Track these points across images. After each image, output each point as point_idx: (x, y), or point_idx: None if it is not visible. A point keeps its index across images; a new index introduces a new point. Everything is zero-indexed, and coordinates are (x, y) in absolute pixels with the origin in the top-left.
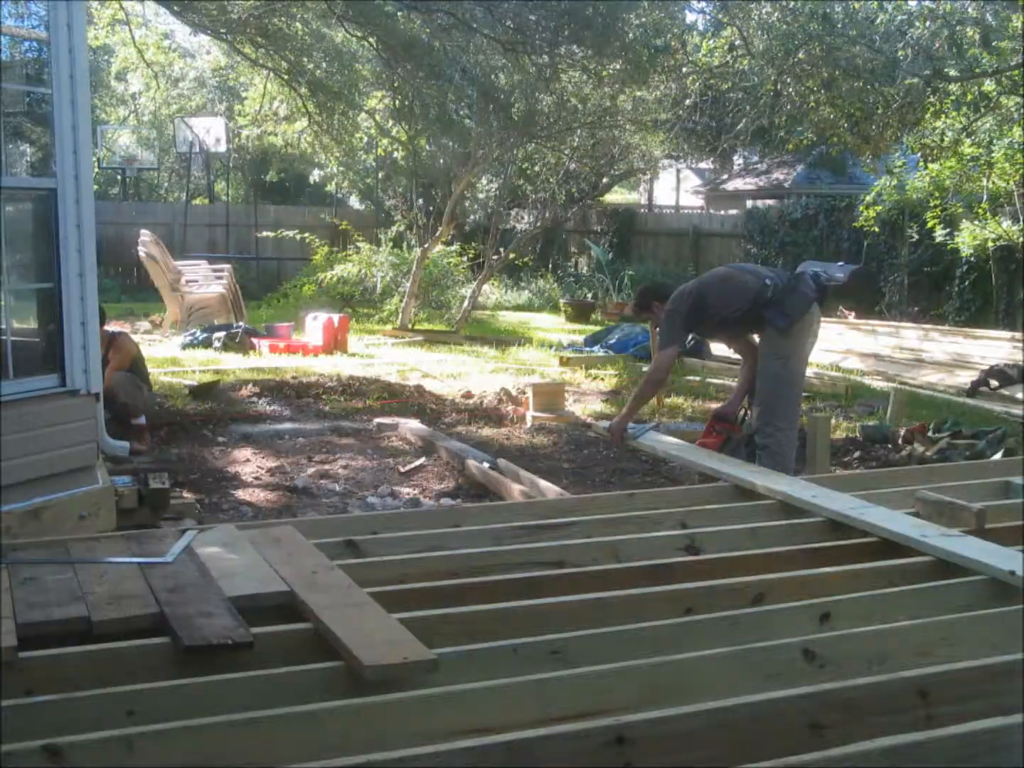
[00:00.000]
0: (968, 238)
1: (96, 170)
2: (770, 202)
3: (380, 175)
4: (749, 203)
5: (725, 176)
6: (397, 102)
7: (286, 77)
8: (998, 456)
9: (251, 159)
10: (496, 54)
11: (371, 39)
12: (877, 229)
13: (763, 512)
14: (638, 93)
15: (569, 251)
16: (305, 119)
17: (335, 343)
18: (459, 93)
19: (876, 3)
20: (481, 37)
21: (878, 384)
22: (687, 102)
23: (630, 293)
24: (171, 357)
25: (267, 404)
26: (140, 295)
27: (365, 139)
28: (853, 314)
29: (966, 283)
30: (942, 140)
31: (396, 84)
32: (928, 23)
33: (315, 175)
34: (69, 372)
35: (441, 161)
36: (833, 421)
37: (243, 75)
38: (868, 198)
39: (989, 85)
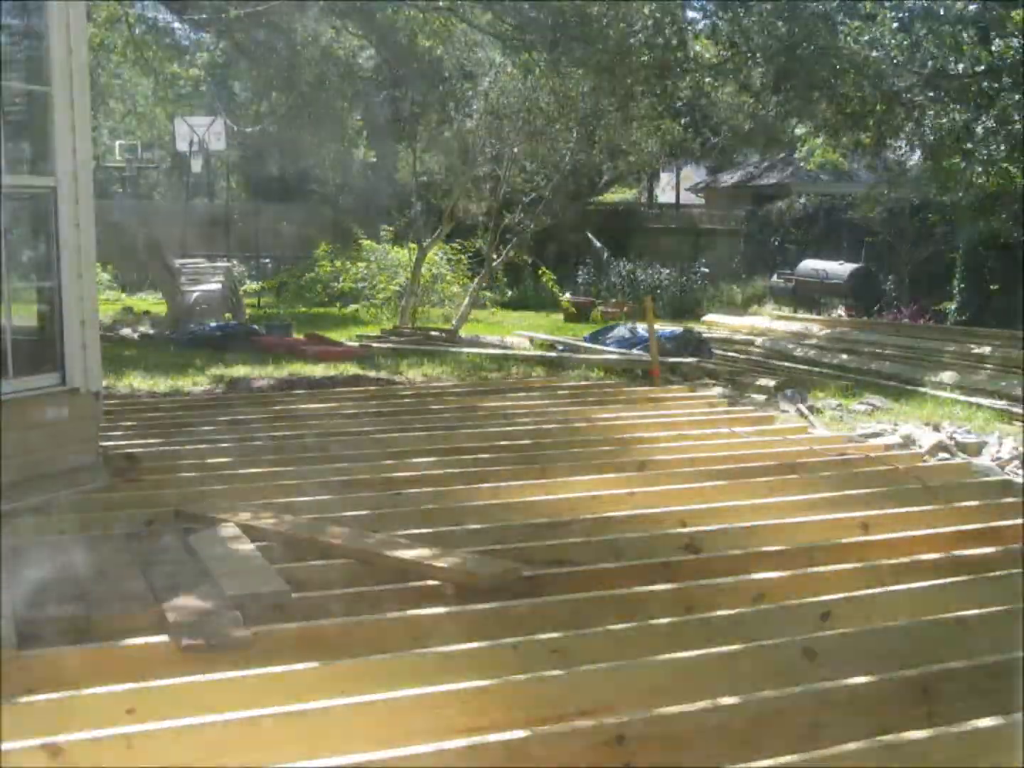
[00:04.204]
0: (968, 236)
1: (95, 168)
2: (771, 200)
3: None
4: (749, 201)
5: (725, 174)
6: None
7: (286, 74)
8: None
9: (251, 157)
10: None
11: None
12: (875, 215)
13: None
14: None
15: (569, 249)
16: (301, 115)
17: None
18: (460, 94)
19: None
20: (481, 34)
21: (879, 383)
22: (682, 99)
23: (630, 291)
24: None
25: None
26: (140, 294)
27: (364, 133)
28: (850, 312)
29: (966, 281)
30: (942, 138)
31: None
32: (927, 22)
33: (316, 172)
34: (69, 371)
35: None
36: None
37: (241, 72)
38: (869, 189)
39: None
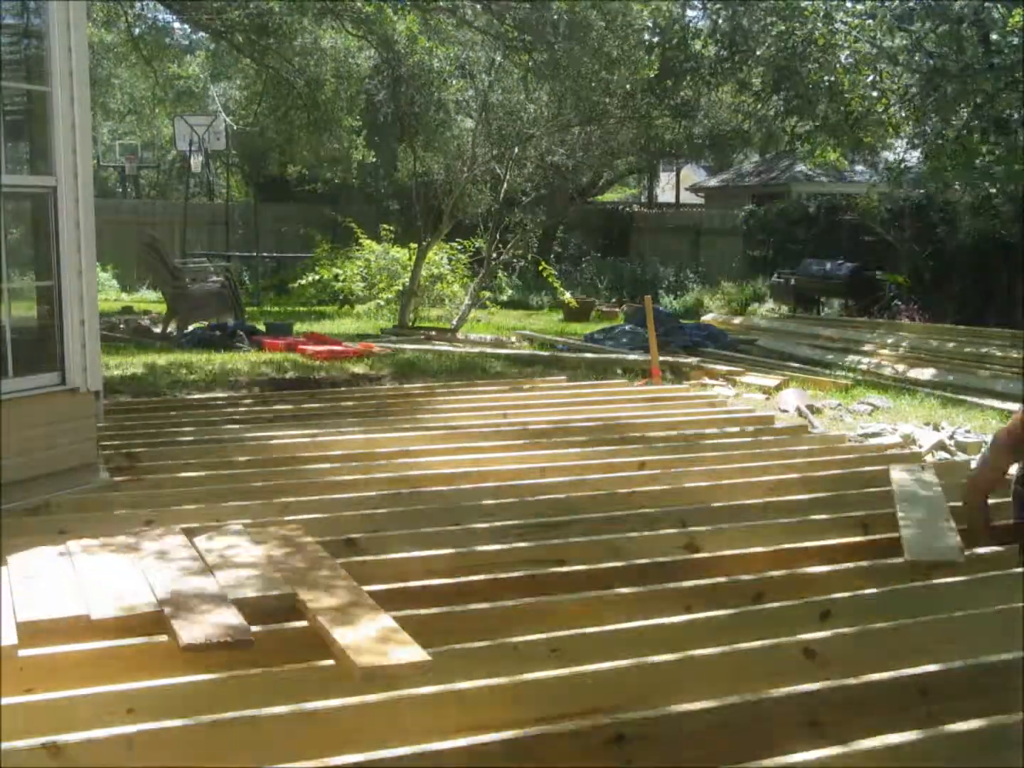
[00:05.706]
0: (969, 234)
1: (95, 167)
2: (770, 200)
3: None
4: (749, 201)
5: (725, 174)
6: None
7: (285, 75)
8: None
9: (251, 156)
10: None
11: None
12: (876, 214)
13: None
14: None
15: (569, 249)
16: (299, 114)
17: None
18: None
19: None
20: (480, 34)
21: (879, 383)
22: (682, 95)
23: (629, 290)
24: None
25: None
26: (139, 293)
27: (364, 131)
28: (850, 311)
29: (966, 280)
30: (943, 136)
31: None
32: (928, 22)
33: (315, 171)
34: (69, 370)
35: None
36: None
37: (241, 73)
38: (873, 181)
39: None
